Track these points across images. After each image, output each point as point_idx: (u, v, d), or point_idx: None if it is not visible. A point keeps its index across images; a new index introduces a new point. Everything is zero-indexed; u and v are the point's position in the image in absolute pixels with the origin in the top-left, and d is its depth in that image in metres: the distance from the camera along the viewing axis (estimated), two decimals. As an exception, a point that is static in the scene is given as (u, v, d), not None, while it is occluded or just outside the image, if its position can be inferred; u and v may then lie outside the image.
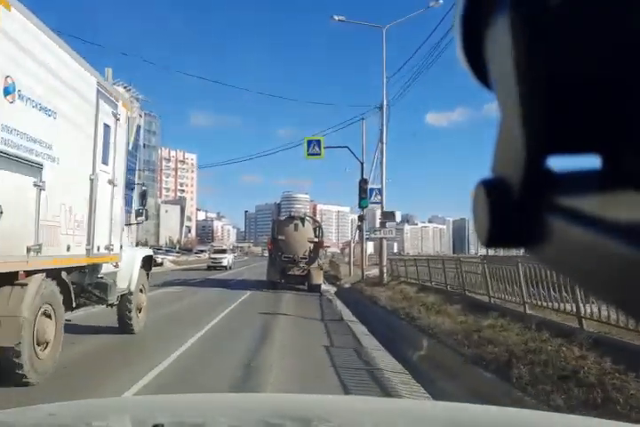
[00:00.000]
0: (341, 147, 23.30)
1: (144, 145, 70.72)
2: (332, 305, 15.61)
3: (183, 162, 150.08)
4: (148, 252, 10.23)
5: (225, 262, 38.83)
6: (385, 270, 20.17)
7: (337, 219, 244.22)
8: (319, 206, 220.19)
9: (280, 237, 21.27)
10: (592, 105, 0.31)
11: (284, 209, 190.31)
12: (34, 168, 5.36)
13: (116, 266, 8.13)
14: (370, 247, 42.18)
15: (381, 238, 20.58)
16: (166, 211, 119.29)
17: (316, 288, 20.38)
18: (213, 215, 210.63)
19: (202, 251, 68.20)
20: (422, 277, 16.69)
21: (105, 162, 7.31)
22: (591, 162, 0.33)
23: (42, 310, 5.75)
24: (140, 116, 62.43)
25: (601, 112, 0.31)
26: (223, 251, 41.58)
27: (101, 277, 7.69)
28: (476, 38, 0.35)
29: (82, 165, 6.67)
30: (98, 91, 6.96)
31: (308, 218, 22.92)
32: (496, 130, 0.35)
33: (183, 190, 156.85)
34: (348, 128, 28.10)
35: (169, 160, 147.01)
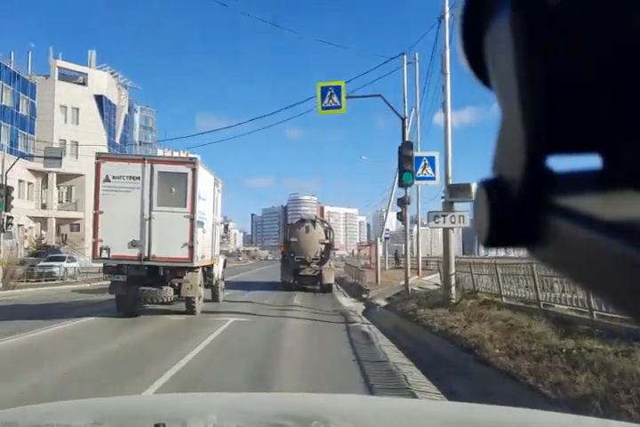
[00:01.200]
0: (373, 96, 16.38)
1: (140, 142, 64.39)
2: (376, 354, 8.41)
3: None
4: (225, 257, 18.09)
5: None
6: (453, 281, 13.01)
7: (345, 221, 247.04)
8: (327, 208, 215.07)
9: (292, 240, 22.48)
10: (592, 105, 0.32)
11: (291, 212, 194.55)
12: (201, 224, 13.08)
13: (217, 264, 15.91)
14: (379, 248, 34.77)
15: (446, 229, 13.01)
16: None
17: (327, 288, 21.62)
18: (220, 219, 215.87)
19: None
20: (546, 298, 9.97)
21: (215, 213, 15.10)
22: (591, 162, 0.33)
23: (199, 282, 13.42)
24: (136, 111, 63.96)
25: (601, 112, 0.32)
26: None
27: (211, 271, 15.46)
28: (477, 38, 0.36)
29: (209, 217, 14.39)
30: (214, 181, 14.75)
31: (318, 220, 23.97)
32: (496, 130, 0.36)
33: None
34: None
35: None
